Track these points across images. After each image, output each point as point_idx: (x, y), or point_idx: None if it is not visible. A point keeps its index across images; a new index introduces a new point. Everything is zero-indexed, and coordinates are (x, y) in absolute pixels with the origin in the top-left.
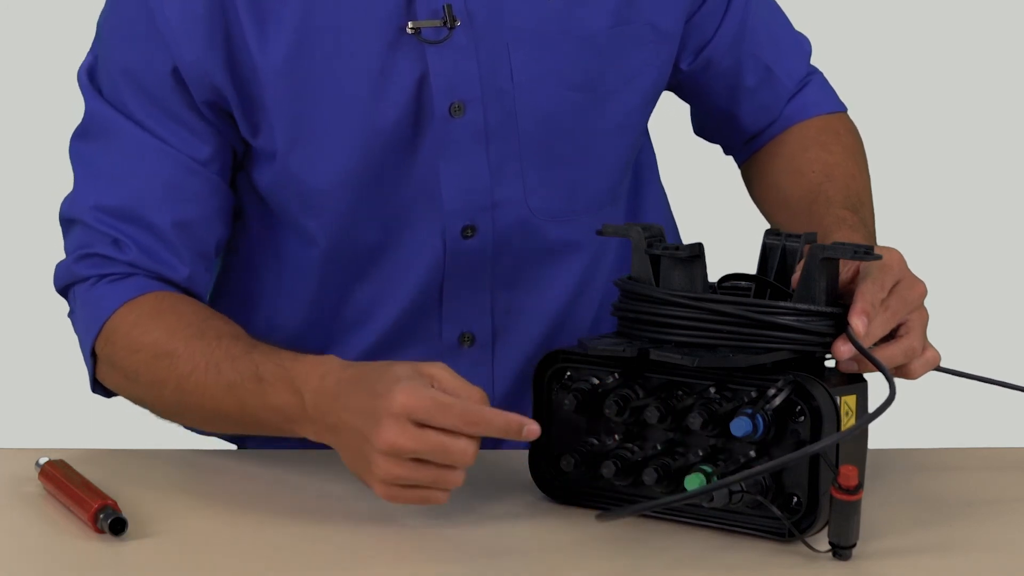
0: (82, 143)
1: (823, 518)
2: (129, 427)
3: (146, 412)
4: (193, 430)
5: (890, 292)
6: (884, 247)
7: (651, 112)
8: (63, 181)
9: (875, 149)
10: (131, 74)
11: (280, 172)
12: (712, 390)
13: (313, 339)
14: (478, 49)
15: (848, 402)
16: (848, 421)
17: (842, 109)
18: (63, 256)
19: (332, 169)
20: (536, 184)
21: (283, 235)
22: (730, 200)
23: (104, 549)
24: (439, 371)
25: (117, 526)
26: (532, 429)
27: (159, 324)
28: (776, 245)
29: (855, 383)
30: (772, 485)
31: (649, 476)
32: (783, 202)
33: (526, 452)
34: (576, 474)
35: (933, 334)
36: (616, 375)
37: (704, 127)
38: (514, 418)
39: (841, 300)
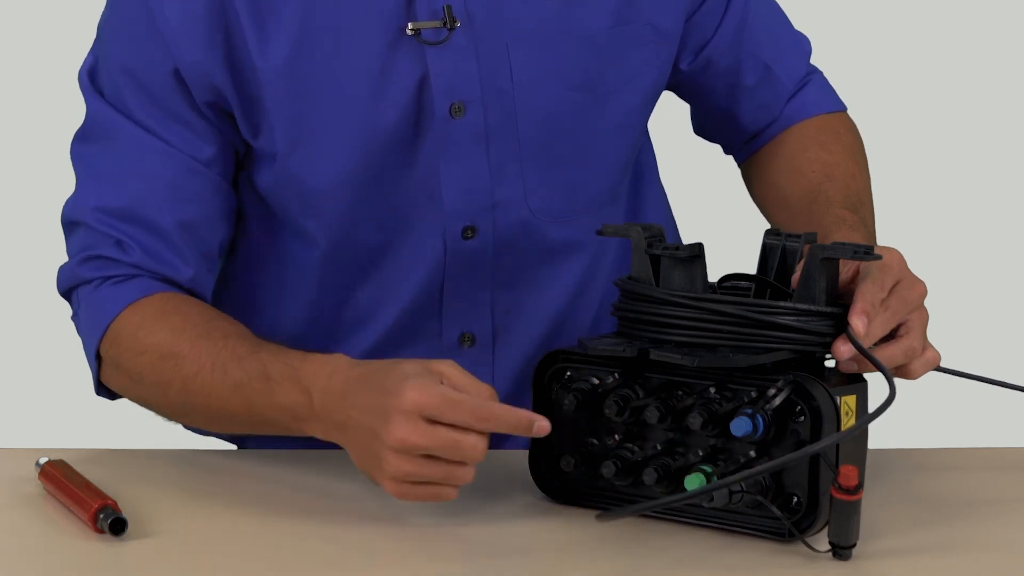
0: (83, 145)
1: (823, 518)
2: (129, 427)
3: (146, 412)
4: (197, 431)
5: (890, 292)
6: (884, 247)
7: (651, 112)
8: (63, 182)
9: (875, 149)
10: (132, 75)
11: (280, 173)
12: (712, 390)
13: (313, 340)
14: (478, 49)
15: (848, 402)
16: (848, 421)
17: (842, 108)
18: (63, 257)
19: (332, 170)
20: (536, 184)
21: (283, 236)
22: (730, 200)
23: (104, 549)
24: (448, 368)
25: (117, 526)
26: (542, 425)
27: (164, 325)
28: (776, 245)
29: (855, 383)
30: (772, 485)
31: (649, 476)
32: (783, 202)
33: (526, 452)
34: (576, 474)
35: (933, 334)
36: (616, 375)
37: (704, 126)
38: (524, 414)
39: (841, 300)
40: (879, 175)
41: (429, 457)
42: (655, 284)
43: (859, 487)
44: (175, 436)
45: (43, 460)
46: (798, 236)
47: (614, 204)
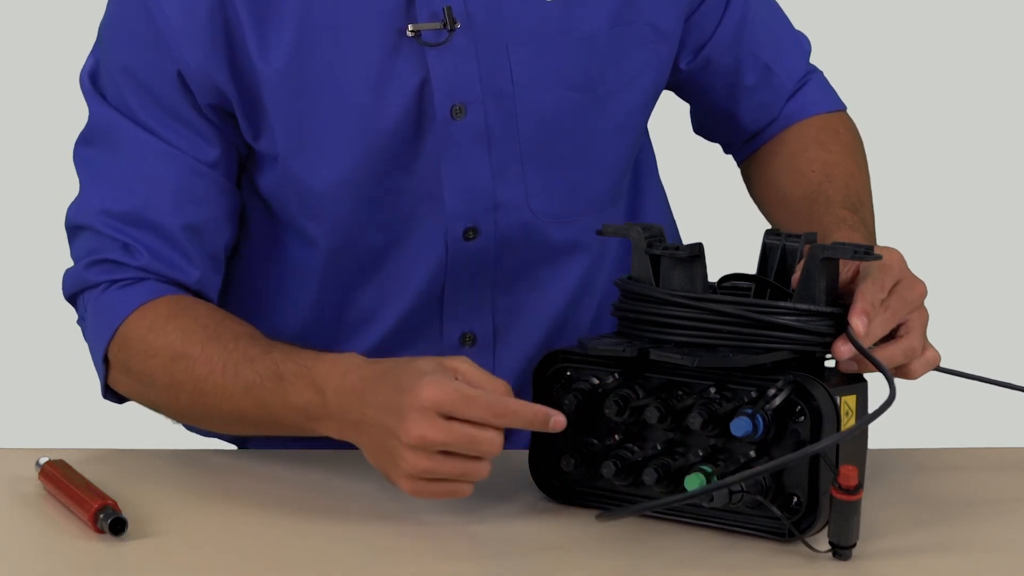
0: (87, 148)
1: (823, 518)
2: (129, 427)
3: (146, 412)
4: (198, 431)
5: (890, 292)
6: (884, 247)
7: (651, 112)
8: (64, 184)
9: (875, 149)
10: (135, 78)
11: (281, 174)
12: (712, 390)
13: (315, 340)
14: (478, 50)
15: (848, 402)
16: (848, 421)
17: (842, 108)
18: (62, 257)
19: (333, 172)
20: (537, 185)
21: (285, 238)
22: (730, 200)
23: (104, 549)
24: (462, 364)
25: (117, 526)
26: (558, 420)
27: (174, 327)
28: (776, 245)
29: (855, 383)
30: (772, 485)
31: (649, 476)
32: (783, 201)
33: (526, 452)
34: (576, 474)
35: (933, 334)
36: (616, 375)
37: (703, 126)
38: (541, 409)
39: (841, 300)
40: (879, 175)
41: (446, 453)
42: (655, 284)
43: (859, 487)
44: (175, 436)
45: (43, 460)
46: (798, 236)
47: (614, 204)
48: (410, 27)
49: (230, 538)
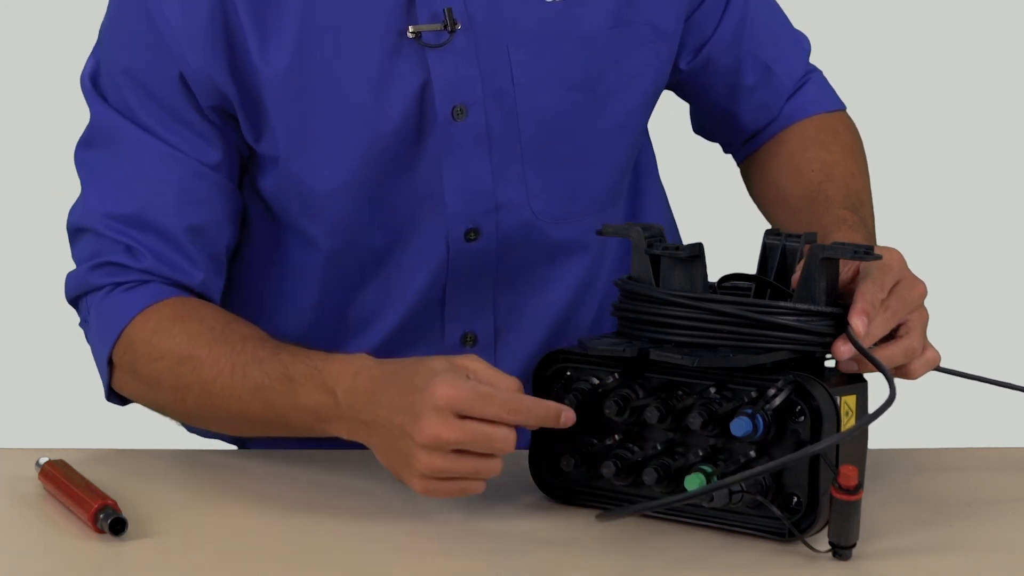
0: (88, 150)
1: (823, 518)
2: (129, 427)
3: (146, 412)
4: (198, 431)
5: (890, 292)
6: (884, 247)
7: (651, 112)
8: (65, 185)
9: (875, 149)
10: (136, 80)
11: (282, 176)
12: (712, 390)
13: (317, 342)
14: (478, 51)
15: (848, 402)
16: (848, 421)
17: (841, 107)
18: (62, 258)
19: (334, 173)
20: (538, 185)
21: (286, 240)
22: (730, 200)
23: (104, 549)
24: (474, 363)
25: (117, 526)
26: (569, 415)
27: (180, 330)
28: (776, 245)
29: (855, 383)
30: (772, 485)
31: (649, 476)
32: (783, 201)
33: (526, 452)
34: (576, 474)
35: (933, 334)
36: (616, 375)
37: (703, 126)
38: (552, 405)
39: (841, 300)
40: (879, 175)
41: (459, 452)
42: (655, 284)
43: (859, 487)
44: (176, 436)
45: (43, 460)
46: (798, 236)
47: (614, 204)
48: (411, 28)
49: (230, 538)
